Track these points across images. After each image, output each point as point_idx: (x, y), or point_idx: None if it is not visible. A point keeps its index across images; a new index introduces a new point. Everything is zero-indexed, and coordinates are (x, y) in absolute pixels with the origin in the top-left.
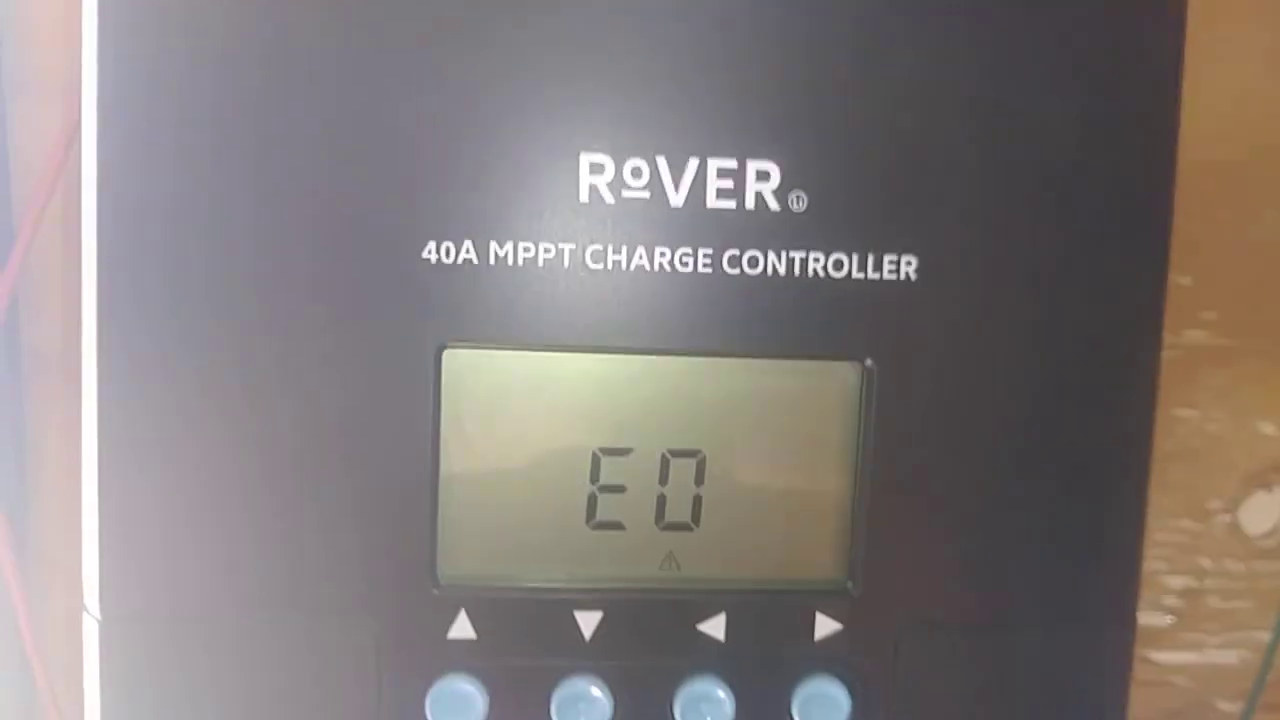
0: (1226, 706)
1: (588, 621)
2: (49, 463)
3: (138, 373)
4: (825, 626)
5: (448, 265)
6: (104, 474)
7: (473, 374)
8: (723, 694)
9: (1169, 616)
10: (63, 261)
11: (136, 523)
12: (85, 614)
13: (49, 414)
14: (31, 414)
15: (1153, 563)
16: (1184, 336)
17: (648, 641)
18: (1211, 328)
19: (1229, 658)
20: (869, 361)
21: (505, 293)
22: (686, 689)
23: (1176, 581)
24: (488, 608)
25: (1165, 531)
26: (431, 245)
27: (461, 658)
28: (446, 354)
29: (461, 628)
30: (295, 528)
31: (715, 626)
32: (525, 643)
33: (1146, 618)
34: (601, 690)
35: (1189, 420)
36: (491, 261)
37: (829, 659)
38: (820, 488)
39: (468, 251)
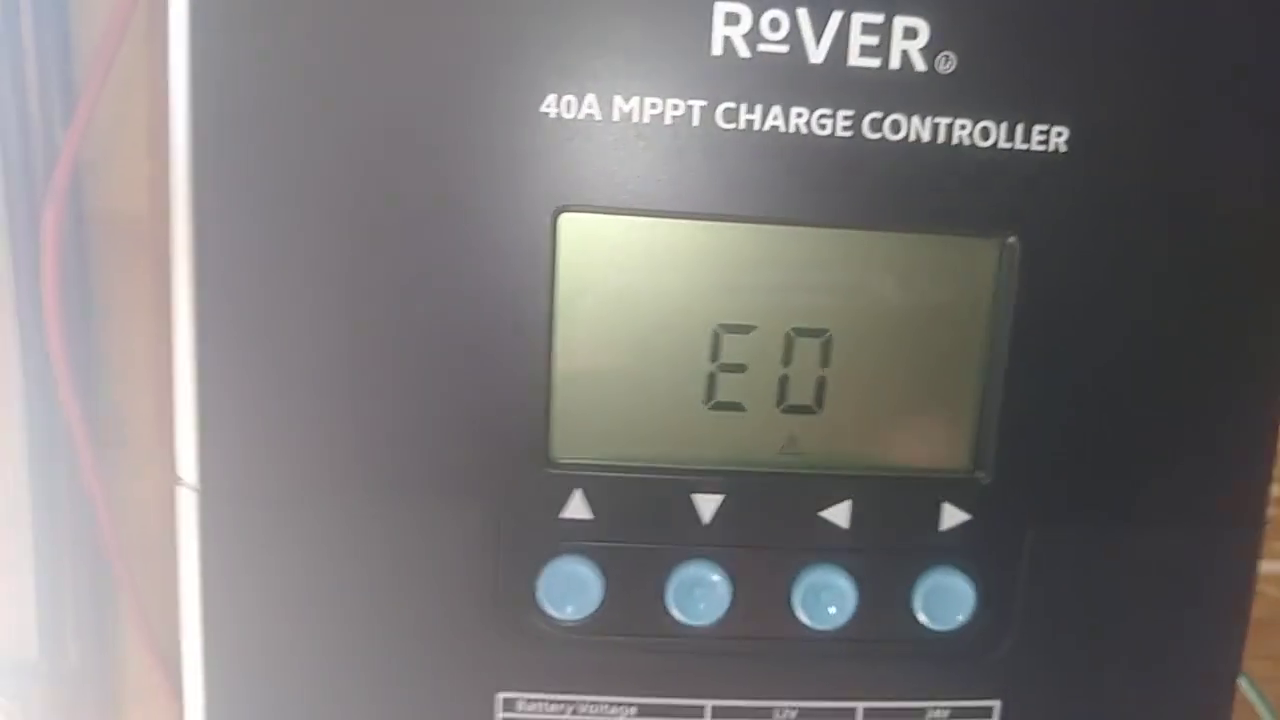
0: None
1: (707, 504)
2: (125, 332)
3: (236, 241)
4: (952, 516)
5: (568, 120)
6: (202, 347)
7: (590, 240)
8: (844, 583)
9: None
10: (148, 119)
11: (237, 397)
12: (181, 486)
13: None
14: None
15: None
16: None
17: (768, 527)
18: None
19: None
20: (1011, 239)
21: (628, 152)
22: (807, 576)
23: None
24: (604, 488)
25: None
26: (551, 99)
27: (576, 539)
28: (563, 218)
29: (576, 508)
30: (403, 405)
31: (838, 513)
32: (642, 524)
33: None
34: (720, 575)
35: None
36: (615, 118)
37: (955, 550)
38: (952, 371)
39: (589, 106)
